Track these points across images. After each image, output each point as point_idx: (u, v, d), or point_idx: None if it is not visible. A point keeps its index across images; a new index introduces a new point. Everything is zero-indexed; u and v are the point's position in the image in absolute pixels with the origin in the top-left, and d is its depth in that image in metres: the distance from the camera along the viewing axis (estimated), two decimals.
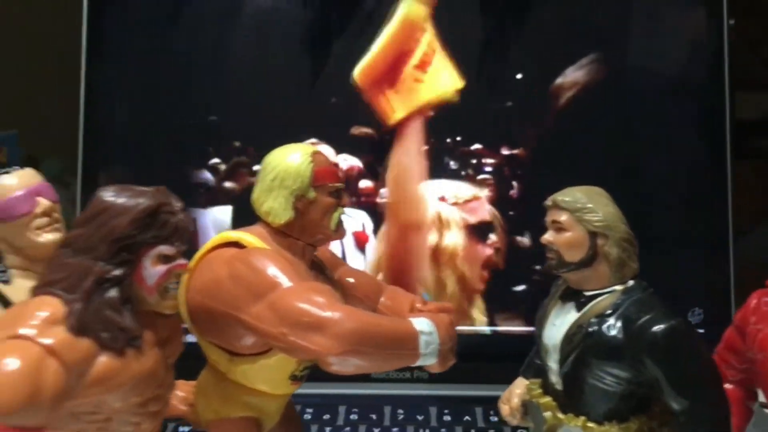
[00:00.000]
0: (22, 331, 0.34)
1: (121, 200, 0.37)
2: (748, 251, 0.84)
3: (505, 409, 0.52)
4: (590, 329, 0.44)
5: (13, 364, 0.33)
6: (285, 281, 0.41)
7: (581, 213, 0.44)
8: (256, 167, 0.82)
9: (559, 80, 0.83)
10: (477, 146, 0.82)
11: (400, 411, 0.77)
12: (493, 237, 0.80)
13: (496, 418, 0.75)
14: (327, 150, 0.44)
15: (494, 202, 0.81)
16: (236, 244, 0.45)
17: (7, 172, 0.45)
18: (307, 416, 0.75)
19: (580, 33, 0.84)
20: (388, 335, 0.41)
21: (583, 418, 0.45)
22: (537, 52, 0.83)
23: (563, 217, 0.45)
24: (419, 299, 0.47)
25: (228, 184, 0.84)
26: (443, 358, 0.43)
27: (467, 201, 0.79)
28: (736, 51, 0.83)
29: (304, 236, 0.46)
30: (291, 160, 0.46)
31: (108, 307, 0.36)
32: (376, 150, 0.81)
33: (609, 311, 0.43)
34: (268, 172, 0.46)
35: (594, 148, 0.82)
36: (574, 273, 0.45)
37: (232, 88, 0.84)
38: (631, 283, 0.44)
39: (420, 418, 0.76)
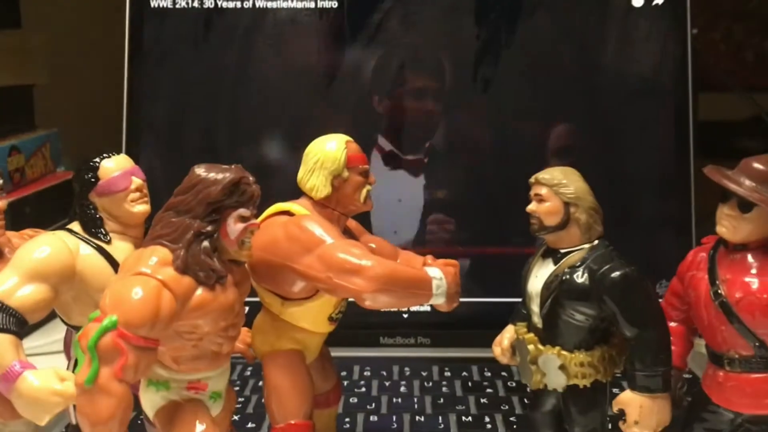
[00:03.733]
0: (143, 269, 0.46)
1: (212, 174, 0.49)
2: (707, 234, 0.96)
3: (497, 350, 0.63)
4: (564, 278, 0.55)
5: (139, 292, 0.45)
6: (329, 238, 0.54)
7: (557, 187, 0.56)
8: None
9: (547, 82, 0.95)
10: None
11: (407, 369, 0.87)
12: None
13: (489, 374, 0.87)
14: None
15: None
16: (287, 213, 0.57)
17: (107, 157, 0.57)
18: None
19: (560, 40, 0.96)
20: (408, 278, 0.53)
21: (558, 347, 0.56)
22: (523, 56, 0.95)
23: (543, 191, 0.56)
24: (430, 257, 0.59)
25: None
26: (450, 299, 0.55)
27: None
28: (698, 57, 0.95)
29: (339, 207, 0.59)
30: (329, 147, 0.58)
31: (203, 253, 0.48)
32: None
33: (578, 263, 0.55)
34: (312, 157, 0.58)
35: (574, 143, 0.94)
36: (552, 234, 0.56)
37: (258, 92, 0.95)
38: (596, 242, 0.56)
39: (424, 374, 0.86)
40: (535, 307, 0.58)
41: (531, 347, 0.58)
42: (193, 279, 0.48)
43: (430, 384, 0.84)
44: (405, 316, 0.94)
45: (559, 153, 0.94)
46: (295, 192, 0.59)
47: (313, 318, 0.58)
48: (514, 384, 0.84)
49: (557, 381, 0.57)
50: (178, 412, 0.50)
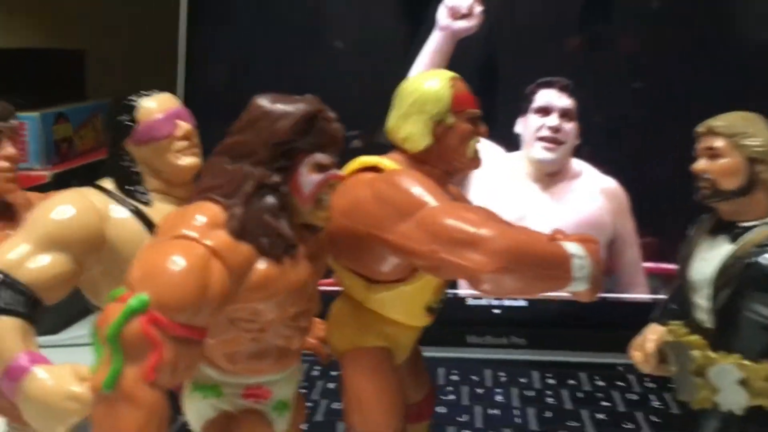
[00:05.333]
0: (186, 232, 0.34)
1: (279, 105, 0.36)
2: None
3: (637, 355, 0.50)
4: (749, 260, 0.42)
5: (180, 262, 0.32)
6: (432, 200, 0.40)
7: (738, 138, 0.42)
8: None
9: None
10: None
11: (501, 374, 0.76)
12: None
13: (602, 383, 0.74)
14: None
15: None
16: (374, 169, 0.44)
17: (147, 95, 0.45)
18: None
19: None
20: (542, 254, 0.40)
21: (737, 355, 0.43)
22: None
23: (719, 143, 0.43)
24: (560, 231, 0.45)
25: None
26: (594, 284, 0.41)
27: None
28: None
29: (441, 163, 0.46)
30: (430, 84, 0.45)
31: (267, 212, 0.35)
32: None
33: None
34: (406, 98, 0.45)
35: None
36: (729, 203, 0.43)
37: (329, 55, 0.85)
38: None
39: (522, 381, 0.75)
40: (702, 300, 0.44)
41: (697, 354, 0.44)
42: (254, 247, 0.35)
43: (532, 393, 0.72)
44: (496, 311, 0.82)
45: None
46: None
47: (407, 307, 0.45)
48: (635, 396, 0.71)
49: (735, 400, 0.43)
50: (231, 427, 0.38)
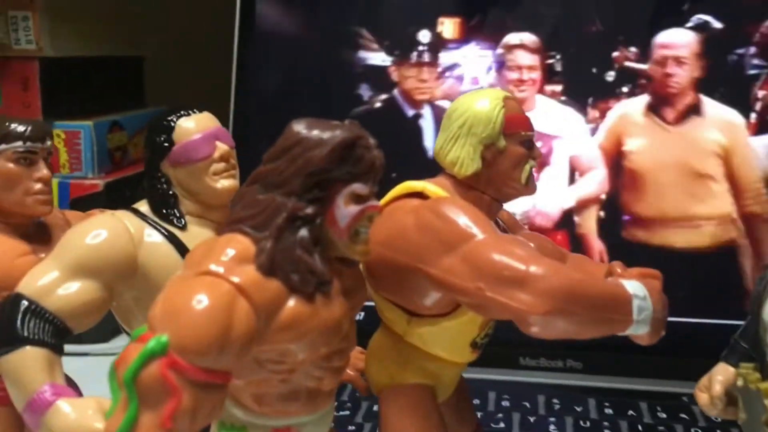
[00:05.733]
0: (212, 267, 0.32)
1: (315, 132, 0.34)
2: None
3: (703, 397, 0.46)
4: None
5: (203, 301, 0.30)
6: (479, 232, 0.37)
7: None
8: None
9: None
10: None
11: (555, 401, 0.72)
12: None
13: (664, 414, 0.69)
14: None
15: None
16: (419, 195, 0.42)
17: (186, 115, 0.43)
18: None
19: None
20: (598, 295, 0.36)
21: None
22: None
23: None
24: (619, 264, 0.42)
25: None
26: (656, 327, 0.38)
27: None
28: None
29: (491, 189, 0.43)
30: (480, 105, 0.42)
31: (299, 247, 0.33)
32: None
33: None
34: (455, 119, 0.42)
35: None
36: None
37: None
38: None
39: (578, 409, 0.70)
40: None
41: None
42: (283, 283, 0.33)
43: (588, 424, 0.68)
44: None
45: None
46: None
47: (450, 342, 0.43)
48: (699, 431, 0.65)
49: None
50: None
